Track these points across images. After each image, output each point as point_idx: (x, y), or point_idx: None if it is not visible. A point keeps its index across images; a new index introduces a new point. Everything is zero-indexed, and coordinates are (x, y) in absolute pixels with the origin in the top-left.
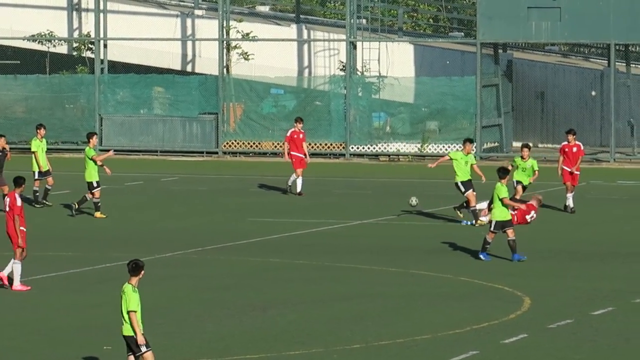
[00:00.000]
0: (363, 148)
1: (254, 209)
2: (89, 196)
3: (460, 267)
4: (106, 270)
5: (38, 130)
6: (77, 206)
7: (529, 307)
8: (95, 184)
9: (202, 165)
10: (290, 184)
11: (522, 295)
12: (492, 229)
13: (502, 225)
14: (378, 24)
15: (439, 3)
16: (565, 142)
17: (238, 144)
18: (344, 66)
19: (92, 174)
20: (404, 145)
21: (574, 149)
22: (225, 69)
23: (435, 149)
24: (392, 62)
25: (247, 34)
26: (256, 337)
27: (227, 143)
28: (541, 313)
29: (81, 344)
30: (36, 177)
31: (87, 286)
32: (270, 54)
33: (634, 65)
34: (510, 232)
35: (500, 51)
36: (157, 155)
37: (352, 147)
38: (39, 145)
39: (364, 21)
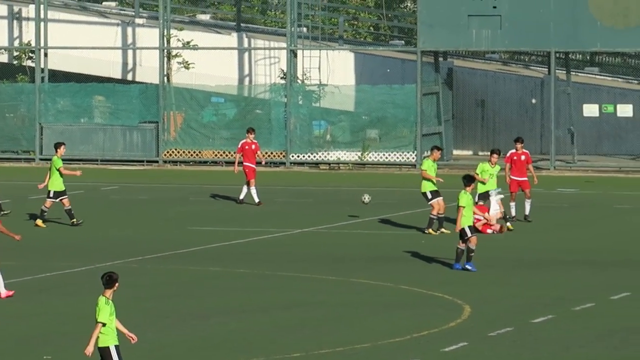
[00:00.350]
0: (303, 156)
1: (194, 218)
2: (46, 205)
3: (400, 276)
4: (46, 280)
5: None
6: (72, 219)
7: (469, 315)
8: (52, 194)
9: (143, 174)
10: (242, 197)
11: (463, 304)
12: (466, 235)
13: (470, 231)
14: (319, 32)
15: (380, 11)
16: (513, 150)
17: (178, 152)
18: (284, 74)
19: (55, 183)
20: (345, 154)
21: (522, 157)
22: (165, 78)
23: (376, 157)
24: (333, 70)
25: (188, 43)
26: (197, 346)
27: (168, 152)
28: (481, 321)
29: (21, 354)
30: None
31: (28, 296)
32: (211, 62)
33: (574, 73)
34: (473, 240)
35: (440, 59)
36: (97, 164)
37: (293, 156)
38: None
39: (305, 29)
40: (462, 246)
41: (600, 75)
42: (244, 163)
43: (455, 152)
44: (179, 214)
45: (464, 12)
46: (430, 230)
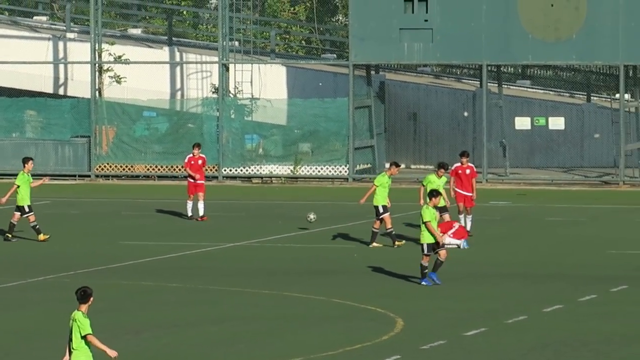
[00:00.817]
0: (236, 170)
1: (127, 232)
2: (14, 220)
3: (333, 289)
4: None
5: None
6: (10, 235)
7: (402, 328)
8: (27, 209)
9: (75, 189)
10: (192, 213)
11: (395, 317)
12: (425, 252)
13: (433, 247)
14: (250, 46)
15: (311, 25)
16: (458, 164)
17: (111, 167)
18: (216, 88)
19: (24, 198)
20: (277, 167)
21: (467, 171)
22: (97, 92)
23: (308, 171)
24: (265, 84)
25: (120, 57)
26: None
27: (100, 166)
28: (414, 334)
29: None
30: None
31: None
32: (143, 76)
33: (505, 86)
34: (442, 253)
35: (372, 72)
36: None
37: (225, 170)
38: None
39: (237, 43)
40: (426, 262)
41: (532, 88)
42: (189, 179)
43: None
44: (111, 228)
45: (396, 26)
46: (375, 244)
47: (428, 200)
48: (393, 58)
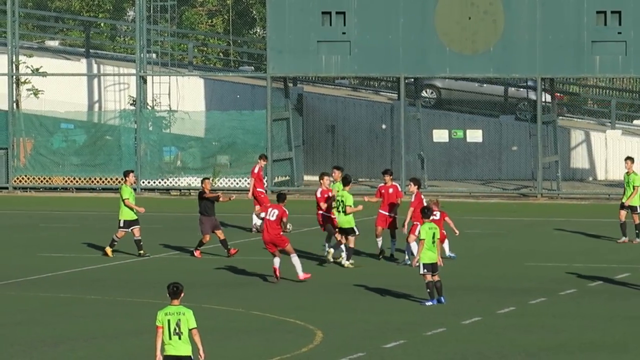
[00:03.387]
0: (154, 182)
1: (45, 244)
2: (117, 235)
3: (251, 301)
4: None
5: None
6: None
7: (321, 340)
8: (122, 223)
9: None
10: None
11: (314, 329)
12: (424, 272)
13: (431, 268)
14: (168, 58)
15: (229, 37)
16: (382, 184)
17: (28, 179)
18: (134, 100)
19: (124, 212)
20: (195, 179)
21: (390, 190)
22: (15, 104)
23: (227, 183)
24: (183, 96)
25: (37, 69)
26: None
27: (18, 178)
28: (333, 346)
29: None
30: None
31: None
32: (60, 88)
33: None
34: (436, 276)
35: (290, 85)
36: None
37: (143, 182)
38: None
39: (154, 55)
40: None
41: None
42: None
43: (306, 177)
44: (29, 240)
45: (313, 38)
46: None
47: (423, 217)
48: (311, 70)
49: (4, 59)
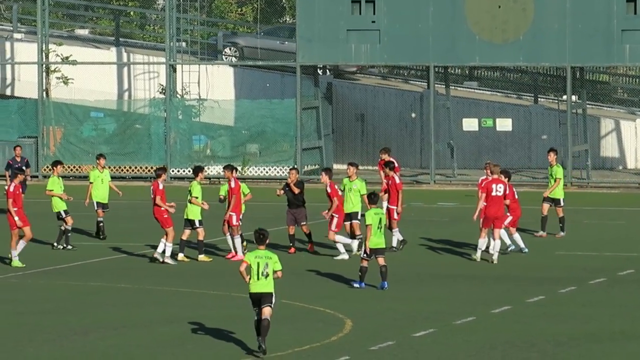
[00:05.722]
0: (184, 171)
1: (74, 233)
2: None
3: (281, 290)
4: None
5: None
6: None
7: (351, 329)
8: (197, 223)
9: None
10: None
11: (344, 318)
12: (364, 256)
13: (375, 252)
14: (198, 46)
15: (258, 26)
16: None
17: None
18: (163, 89)
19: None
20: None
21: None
22: (44, 93)
23: (256, 172)
24: (212, 84)
25: (67, 58)
26: None
27: (48, 167)
28: (362, 335)
29: None
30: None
31: None
32: (90, 77)
33: (453, 88)
34: (381, 260)
35: (320, 73)
36: None
37: (173, 170)
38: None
39: (184, 44)
40: (365, 264)
41: (479, 89)
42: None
43: (335, 166)
44: (58, 229)
45: (343, 27)
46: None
47: (369, 203)
48: (340, 59)
49: (34, 47)
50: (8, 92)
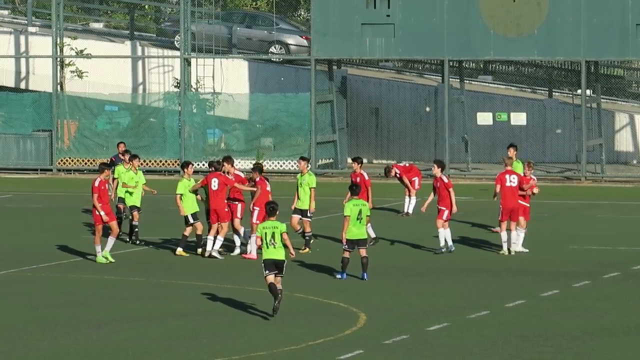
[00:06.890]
0: (198, 165)
1: (89, 227)
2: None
3: (295, 284)
4: None
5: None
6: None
7: (365, 323)
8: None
9: (37, 183)
10: None
11: (358, 312)
12: (345, 247)
13: (356, 243)
14: (212, 40)
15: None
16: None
17: (72, 161)
18: (178, 83)
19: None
20: (239, 162)
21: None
22: (59, 86)
23: (270, 166)
24: (227, 78)
25: (81, 51)
26: (91, 355)
27: (62, 160)
28: (376, 329)
29: None
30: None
31: None
32: (104, 70)
33: (467, 82)
34: (362, 251)
35: (334, 67)
36: None
37: None
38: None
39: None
40: (347, 255)
41: (494, 83)
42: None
43: (349, 160)
44: (73, 222)
45: (358, 21)
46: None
47: (352, 194)
48: (355, 53)
49: (49, 41)
50: (23, 85)
